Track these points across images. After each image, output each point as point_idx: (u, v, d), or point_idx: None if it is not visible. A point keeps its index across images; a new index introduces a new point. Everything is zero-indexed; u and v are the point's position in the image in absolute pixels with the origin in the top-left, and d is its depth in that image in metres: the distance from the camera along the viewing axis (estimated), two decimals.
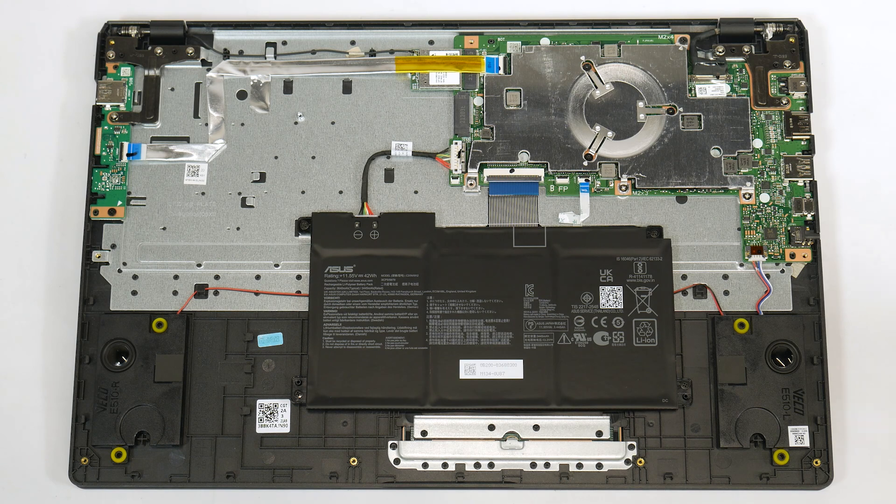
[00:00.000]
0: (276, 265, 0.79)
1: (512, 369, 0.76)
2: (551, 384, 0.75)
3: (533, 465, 0.75)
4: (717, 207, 0.79)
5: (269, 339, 0.77)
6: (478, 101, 0.81)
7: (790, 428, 0.75)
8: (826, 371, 0.76)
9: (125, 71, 0.82)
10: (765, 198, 0.79)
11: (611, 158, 0.80)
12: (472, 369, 0.76)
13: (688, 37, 0.82)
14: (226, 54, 0.82)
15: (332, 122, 0.81)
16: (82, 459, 0.75)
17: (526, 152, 0.80)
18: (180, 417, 0.75)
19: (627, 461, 0.75)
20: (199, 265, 0.79)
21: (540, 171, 0.80)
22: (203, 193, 0.80)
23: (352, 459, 0.75)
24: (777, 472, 0.75)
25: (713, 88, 0.81)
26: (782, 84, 0.81)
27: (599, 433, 0.75)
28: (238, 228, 0.79)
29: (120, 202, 0.79)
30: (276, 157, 0.80)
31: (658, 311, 0.76)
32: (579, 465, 0.75)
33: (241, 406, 0.76)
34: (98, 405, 0.76)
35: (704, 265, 0.78)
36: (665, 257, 0.77)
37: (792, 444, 0.75)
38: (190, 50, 0.82)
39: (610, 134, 0.80)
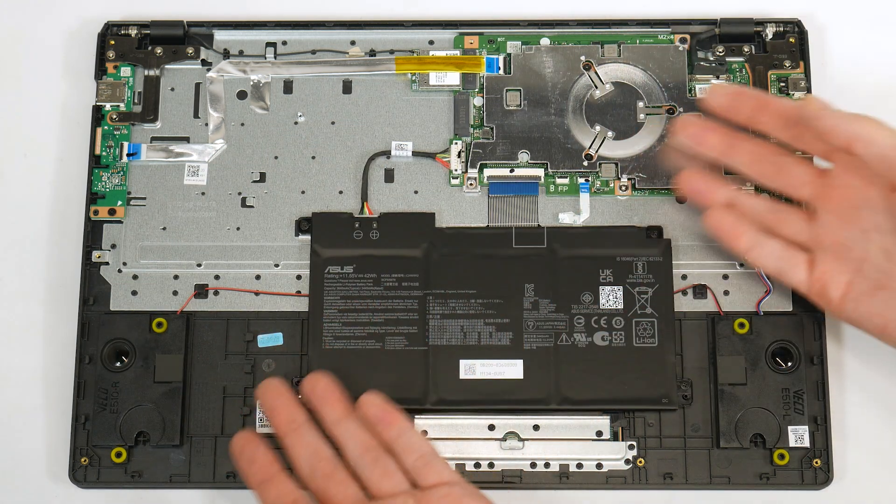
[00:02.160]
0: (276, 265, 0.79)
1: (512, 369, 0.76)
2: (551, 384, 0.75)
3: (533, 465, 0.75)
4: None
5: (269, 339, 0.77)
6: (478, 101, 0.81)
7: (790, 428, 0.75)
8: (826, 371, 0.76)
9: (125, 71, 0.82)
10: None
11: (611, 158, 0.80)
12: (472, 369, 0.76)
13: (688, 37, 0.82)
14: (226, 54, 0.82)
15: (332, 122, 0.81)
16: (82, 459, 0.75)
17: (526, 152, 0.80)
18: (180, 417, 0.76)
19: (627, 461, 0.75)
20: (199, 265, 0.79)
21: (540, 171, 0.80)
22: (203, 193, 0.80)
23: None
24: (777, 472, 0.75)
25: None
26: (782, 84, 0.81)
27: (599, 433, 0.75)
28: (238, 228, 0.79)
29: (120, 202, 0.79)
30: (276, 157, 0.80)
31: (658, 311, 0.76)
32: (579, 465, 0.75)
33: (241, 406, 0.76)
34: (98, 405, 0.76)
35: (704, 265, 0.78)
36: (665, 257, 0.77)
37: (792, 444, 0.75)
38: (190, 50, 0.82)
39: (610, 134, 0.80)
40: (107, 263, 0.78)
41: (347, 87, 0.82)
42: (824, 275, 0.72)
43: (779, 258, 0.73)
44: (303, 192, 0.80)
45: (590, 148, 0.80)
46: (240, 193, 0.80)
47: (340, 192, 0.80)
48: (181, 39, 0.82)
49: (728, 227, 0.74)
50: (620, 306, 0.76)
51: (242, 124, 0.81)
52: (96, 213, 0.79)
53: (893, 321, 0.70)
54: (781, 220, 0.74)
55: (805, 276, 0.73)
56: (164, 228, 0.79)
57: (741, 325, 0.76)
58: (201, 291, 0.78)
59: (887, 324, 0.71)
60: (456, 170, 0.80)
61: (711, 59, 0.81)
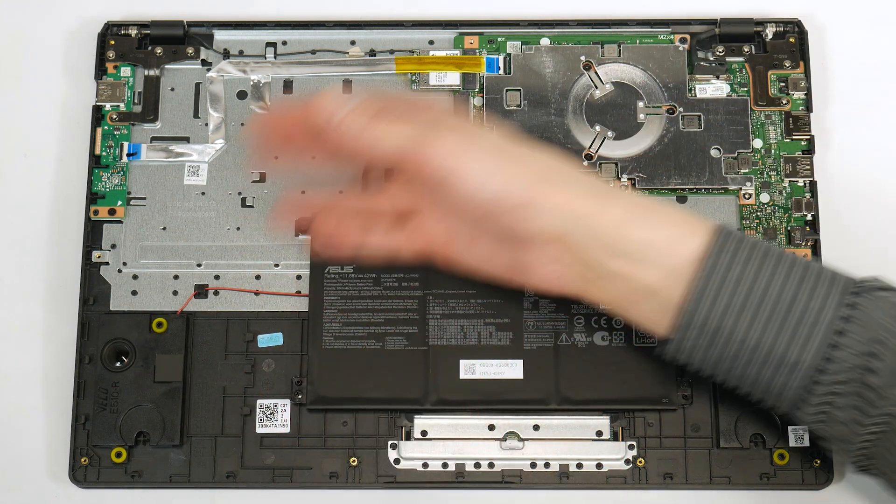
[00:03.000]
0: (276, 265, 0.79)
1: (512, 369, 0.76)
2: (551, 384, 0.75)
3: (533, 465, 0.75)
4: (717, 207, 0.79)
5: (269, 339, 0.77)
6: (478, 101, 0.81)
7: (790, 428, 0.75)
8: None
9: (125, 71, 0.82)
10: (765, 198, 0.79)
11: (611, 158, 0.80)
12: (472, 369, 0.76)
13: (688, 37, 0.82)
14: (226, 54, 0.82)
15: None
16: (82, 459, 0.75)
17: None
18: (180, 417, 0.76)
19: (627, 461, 0.75)
20: (199, 265, 0.79)
21: None
22: (203, 193, 0.80)
23: (352, 459, 0.75)
24: (777, 472, 0.75)
25: (713, 88, 0.81)
26: (782, 84, 0.81)
27: (599, 433, 0.75)
28: (238, 228, 0.79)
29: (120, 202, 0.79)
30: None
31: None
32: (579, 465, 0.75)
33: (241, 406, 0.76)
34: (98, 405, 0.76)
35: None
36: None
37: (792, 444, 0.75)
38: (190, 50, 0.82)
39: (610, 134, 0.80)
40: (107, 263, 0.78)
41: (347, 87, 0.82)
42: (428, 229, 0.72)
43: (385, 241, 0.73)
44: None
45: (590, 148, 0.80)
46: (240, 193, 0.80)
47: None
48: (181, 39, 0.82)
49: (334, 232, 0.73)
50: None
51: (242, 124, 0.81)
52: (96, 213, 0.79)
53: (492, 260, 0.71)
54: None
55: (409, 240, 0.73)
56: (164, 228, 0.79)
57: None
58: (201, 291, 0.78)
59: (486, 263, 0.71)
60: None
61: (711, 59, 0.81)
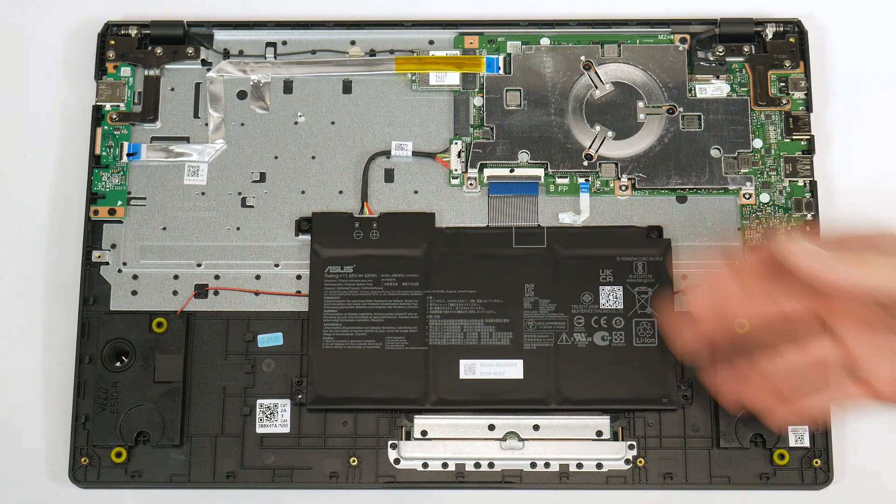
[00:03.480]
0: (276, 265, 0.79)
1: (512, 369, 0.76)
2: (551, 384, 0.75)
3: (533, 465, 0.75)
4: (718, 207, 0.79)
5: (269, 339, 0.77)
6: (478, 101, 0.81)
7: (790, 428, 0.75)
8: None
9: (125, 71, 0.82)
10: (765, 198, 0.79)
11: (611, 158, 0.80)
12: (472, 369, 0.76)
13: (688, 37, 0.82)
14: (226, 54, 0.82)
15: (332, 122, 0.81)
16: (82, 459, 0.75)
17: (526, 152, 0.80)
18: (180, 417, 0.76)
19: (627, 461, 0.75)
20: (199, 265, 0.79)
21: (540, 171, 0.80)
22: (203, 193, 0.80)
23: (352, 459, 0.75)
24: (777, 472, 0.75)
25: (713, 88, 0.81)
26: (782, 84, 0.81)
27: (599, 433, 0.75)
28: (238, 228, 0.79)
29: (120, 202, 0.79)
30: (276, 157, 0.80)
31: (658, 311, 0.76)
32: (579, 465, 0.75)
33: (241, 406, 0.76)
34: (98, 405, 0.76)
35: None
36: (665, 257, 0.77)
37: (792, 444, 0.75)
38: (190, 50, 0.82)
39: (610, 134, 0.80)
40: (107, 263, 0.78)
41: (347, 87, 0.82)
42: (868, 375, 0.64)
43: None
44: (303, 192, 0.80)
45: (590, 148, 0.80)
46: (240, 193, 0.80)
47: (340, 192, 0.80)
48: (181, 39, 0.82)
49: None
50: (620, 306, 0.76)
51: (242, 124, 0.81)
52: (96, 213, 0.79)
53: None
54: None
55: (853, 386, 0.65)
56: (164, 228, 0.79)
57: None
58: (201, 291, 0.78)
59: None
60: (456, 170, 0.80)
61: (711, 59, 0.81)
